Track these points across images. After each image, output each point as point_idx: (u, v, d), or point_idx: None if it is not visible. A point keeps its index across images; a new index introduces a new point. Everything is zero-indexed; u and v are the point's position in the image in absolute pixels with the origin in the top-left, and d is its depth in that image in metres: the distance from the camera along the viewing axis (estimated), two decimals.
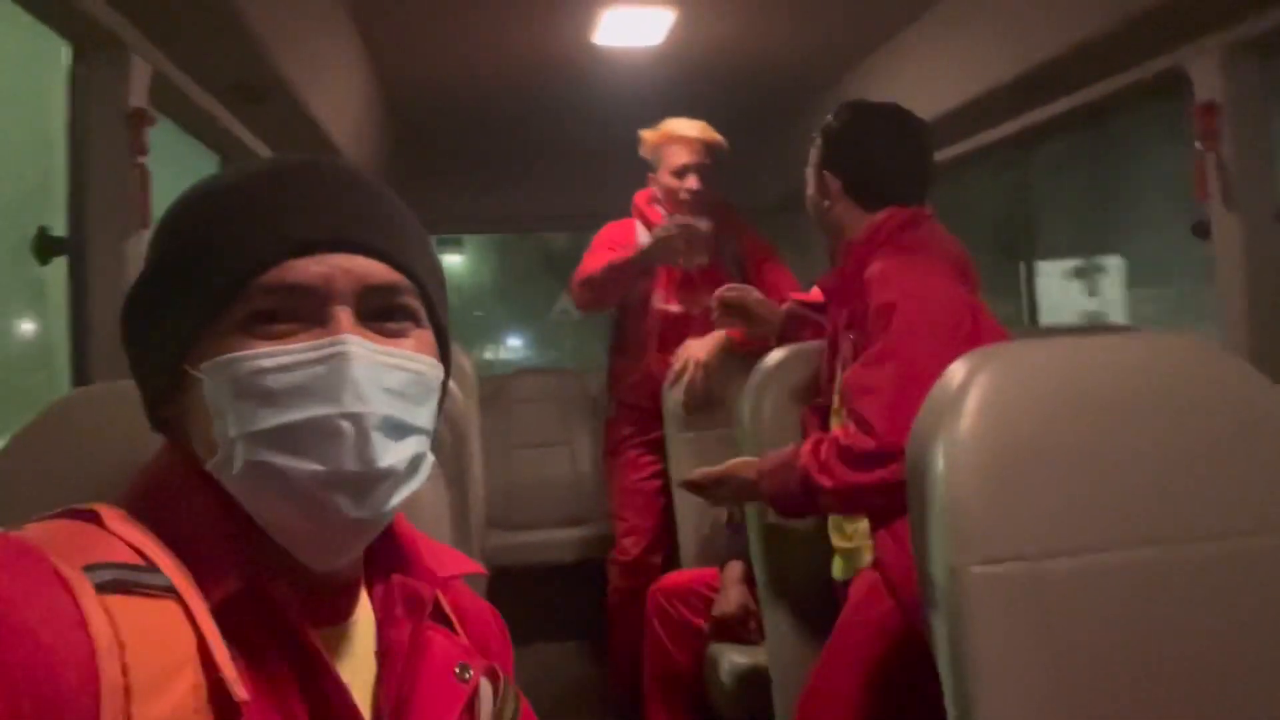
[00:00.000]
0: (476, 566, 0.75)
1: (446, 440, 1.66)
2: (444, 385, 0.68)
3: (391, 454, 0.60)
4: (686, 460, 2.28)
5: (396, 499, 0.62)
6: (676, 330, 2.46)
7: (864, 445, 1.37)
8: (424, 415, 0.63)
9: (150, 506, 0.60)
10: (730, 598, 2.00)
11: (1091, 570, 0.93)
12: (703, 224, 2.31)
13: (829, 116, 1.69)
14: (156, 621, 0.53)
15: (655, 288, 2.49)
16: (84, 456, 0.79)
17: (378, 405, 0.59)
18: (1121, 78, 1.92)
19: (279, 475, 0.58)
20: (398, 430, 0.61)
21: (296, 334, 0.60)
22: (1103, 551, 0.94)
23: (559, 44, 2.52)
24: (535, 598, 3.29)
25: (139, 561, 0.55)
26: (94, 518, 0.57)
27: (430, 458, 0.65)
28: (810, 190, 1.70)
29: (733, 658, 1.94)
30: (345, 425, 0.58)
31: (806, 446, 1.45)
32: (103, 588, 0.52)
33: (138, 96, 1.49)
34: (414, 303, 0.65)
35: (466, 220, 3.79)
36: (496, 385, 3.66)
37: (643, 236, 2.48)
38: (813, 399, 1.70)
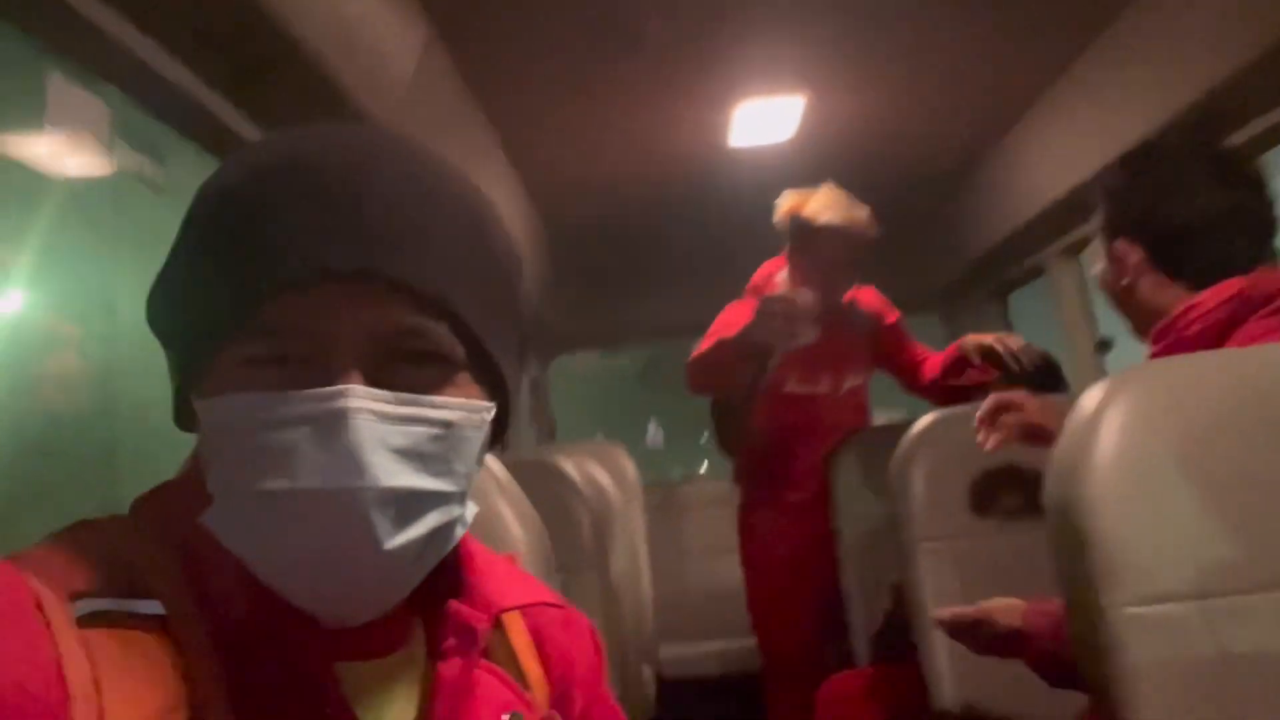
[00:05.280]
0: (552, 596, 0.68)
1: (589, 546, 1.64)
2: (503, 421, 0.59)
3: (400, 534, 0.51)
4: (860, 543, 2.16)
5: (407, 585, 0.55)
6: (805, 413, 2.34)
7: None
8: (450, 473, 0.54)
9: (167, 519, 0.55)
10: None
11: (1265, 610, 0.79)
12: (803, 297, 2.00)
13: (1115, 167, 1.31)
14: (143, 658, 0.47)
15: (784, 370, 2.34)
16: None
17: (381, 475, 0.50)
18: None
19: (271, 549, 0.51)
20: (409, 503, 0.51)
21: (299, 378, 0.51)
22: (1276, 589, 0.80)
23: (695, 149, 2.59)
24: (712, 713, 3.16)
25: (135, 587, 0.50)
26: (101, 532, 0.53)
27: (465, 516, 0.56)
28: (1099, 268, 1.31)
29: None
30: (337, 502, 0.49)
31: None
32: (87, 620, 0.47)
33: None
34: (444, 342, 0.54)
35: (620, 332, 3.89)
36: (664, 494, 3.66)
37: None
38: None
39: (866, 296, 2.42)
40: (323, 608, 0.54)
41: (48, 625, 0.45)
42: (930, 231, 3.22)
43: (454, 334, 0.54)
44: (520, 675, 0.64)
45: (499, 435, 0.60)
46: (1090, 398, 0.92)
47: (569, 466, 1.72)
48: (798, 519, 2.37)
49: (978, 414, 1.49)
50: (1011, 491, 1.59)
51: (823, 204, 2.20)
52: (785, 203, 2.27)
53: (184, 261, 0.55)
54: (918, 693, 1.78)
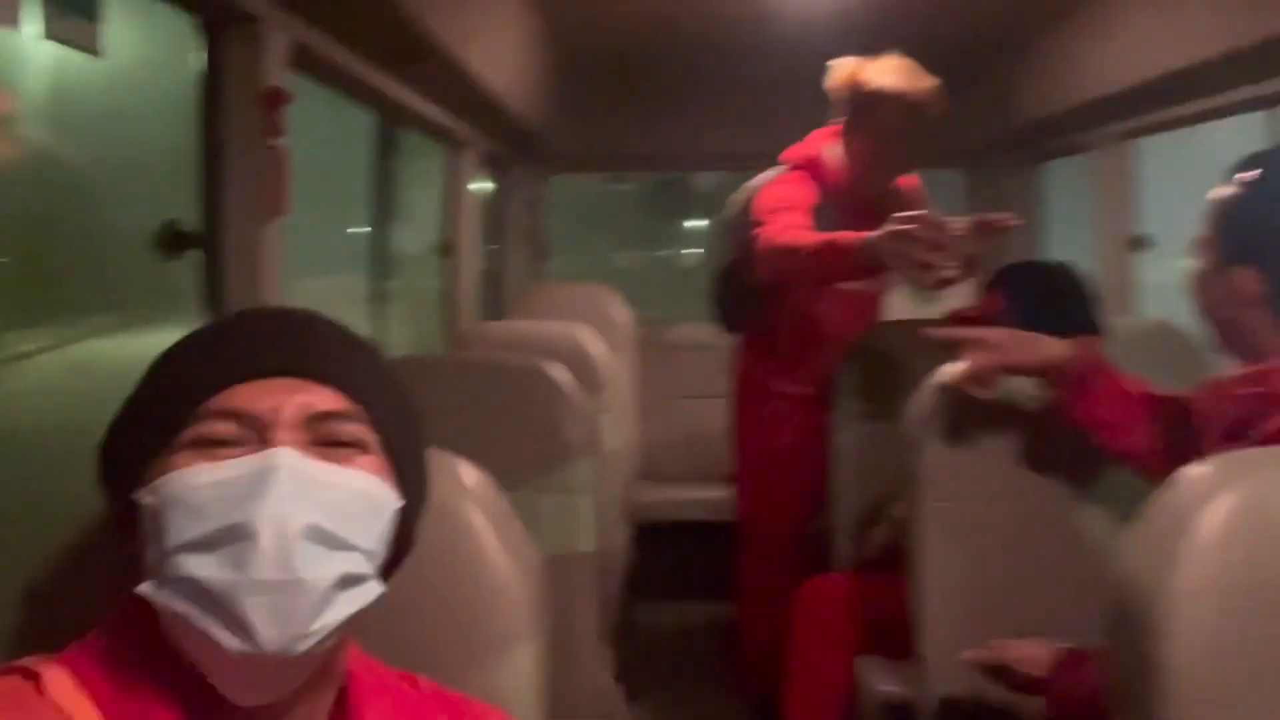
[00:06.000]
0: (453, 702, 0.73)
1: (578, 395, 1.57)
2: (408, 512, 0.68)
3: (315, 566, 0.58)
4: (854, 457, 2.08)
5: (321, 622, 0.58)
6: (828, 305, 2.19)
7: None
8: (365, 535, 0.62)
9: (98, 661, 0.61)
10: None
11: None
12: (958, 225, 1.57)
13: (1235, 175, 1.11)
14: None
15: None
16: None
17: (305, 513, 0.58)
18: None
19: (196, 586, 0.56)
20: (327, 541, 0.59)
21: (240, 456, 0.60)
22: None
23: None
24: (683, 555, 3.23)
25: None
26: (35, 678, 0.58)
27: (374, 586, 0.63)
28: (1200, 283, 1.17)
29: (882, 685, 1.77)
30: (265, 530, 0.57)
31: None
32: None
33: (274, 74, 1.41)
34: (363, 430, 0.65)
35: (634, 159, 3.66)
36: (656, 333, 3.56)
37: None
38: None
39: (910, 184, 2.20)
40: (240, 661, 0.57)
41: None
42: (972, 88, 2.95)
43: (369, 427, 0.66)
44: None
45: (403, 548, 0.69)
46: (1185, 486, 0.78)
47: (558, 370, 1.60)
48: (798, 412, 2.28)
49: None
50: (1043, 447, 1.46)
51: (885, 69, 1.98)
52: (841, 69, 2.03)
53: (138, 392, 0.66)
54: (900, 607, 1.75)
